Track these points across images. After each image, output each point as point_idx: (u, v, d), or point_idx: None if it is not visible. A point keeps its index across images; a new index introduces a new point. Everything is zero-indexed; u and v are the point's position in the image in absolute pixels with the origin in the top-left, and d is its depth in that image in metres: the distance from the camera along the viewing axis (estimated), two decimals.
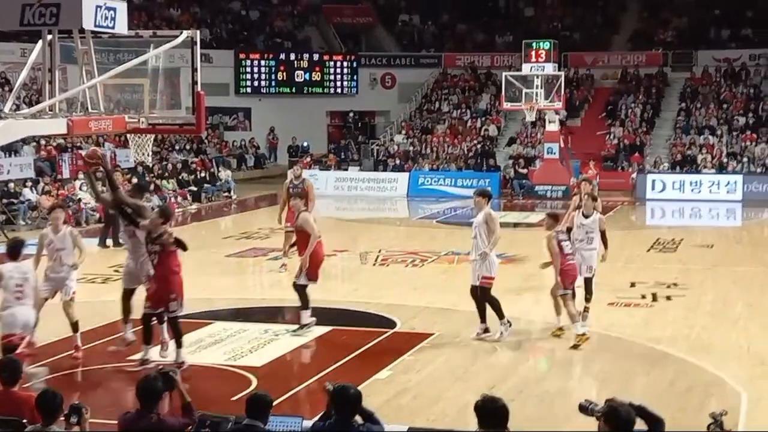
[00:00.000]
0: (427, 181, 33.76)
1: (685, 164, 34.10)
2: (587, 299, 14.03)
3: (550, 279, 13.48)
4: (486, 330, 13.45)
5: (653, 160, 34.74)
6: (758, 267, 19.92)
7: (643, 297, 16.36)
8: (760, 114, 36.56)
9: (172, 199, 29.65)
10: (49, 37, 9.38)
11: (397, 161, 35.61)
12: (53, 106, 9.54)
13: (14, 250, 11.39)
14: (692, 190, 31.45)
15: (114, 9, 9.23)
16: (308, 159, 37.08)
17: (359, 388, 10.75)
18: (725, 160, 33.95)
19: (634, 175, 32.97)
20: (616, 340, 13.50)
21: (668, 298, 16.26)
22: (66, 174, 28.76)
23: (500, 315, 13.37)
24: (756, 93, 37.90)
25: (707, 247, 21.88)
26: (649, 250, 21.29)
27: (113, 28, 9.29)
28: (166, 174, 31.48)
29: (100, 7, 9.05)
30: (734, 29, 41.56)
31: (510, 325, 13.39)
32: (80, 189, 26.94)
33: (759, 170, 33.19)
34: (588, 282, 14.11)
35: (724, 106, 37.52)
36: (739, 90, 38.36)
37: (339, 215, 30.26)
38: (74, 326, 12.65)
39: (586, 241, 14.06)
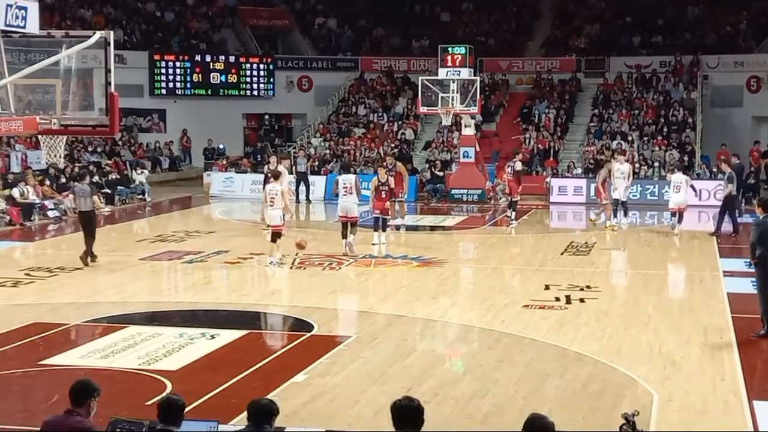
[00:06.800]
0: None
1: (598, 169, 34.58)
2: None
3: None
4: None
5: (567, 164, 35.21)
6: (667, 270, 20.37)
7: (557, 299, 16.55)
8: (670, 120, 37.31)
9: None
10: None
11: (315, 164, 35.51)
12: None
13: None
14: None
15: (25, 8, 9.05)
16: (224, 161, 36.78)
17: (276, 391, 10.73)
18: (638, 165, 34.54)
19: (548, 180, 33.37)
20: (530, 342, 13.65)
21: (581, 300, 16.48)
22: None
23: None
24: (666, 99, 38.66)
25: (619, 251, 22.28)
26: (562, 254, 21.57)
27: (24, 27, 9.12)
28: (78, 176, 30.92)
29: (11, 6, 8.87)
30: (645, 36, 42.38)
31: None
32: None
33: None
34: None
35: (636, 111, 38.21)
36: (650, 96, 39.10)
37: (255, 218, 30.03)
38: None
39: None
